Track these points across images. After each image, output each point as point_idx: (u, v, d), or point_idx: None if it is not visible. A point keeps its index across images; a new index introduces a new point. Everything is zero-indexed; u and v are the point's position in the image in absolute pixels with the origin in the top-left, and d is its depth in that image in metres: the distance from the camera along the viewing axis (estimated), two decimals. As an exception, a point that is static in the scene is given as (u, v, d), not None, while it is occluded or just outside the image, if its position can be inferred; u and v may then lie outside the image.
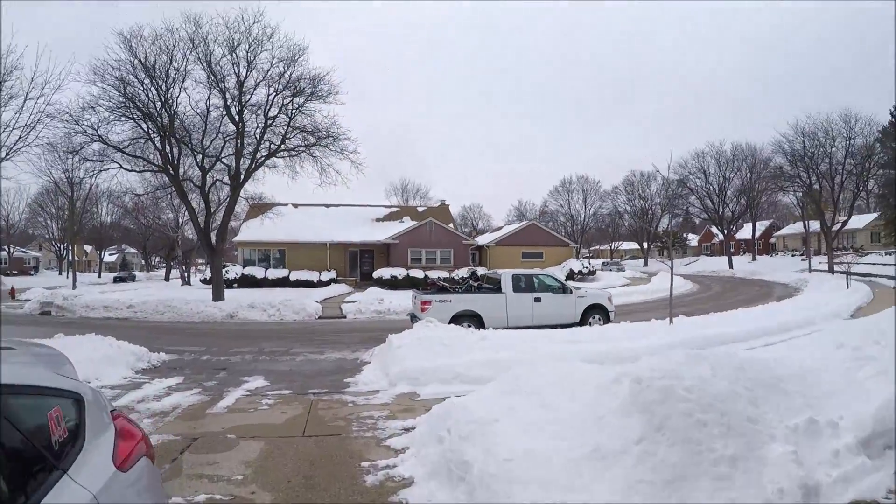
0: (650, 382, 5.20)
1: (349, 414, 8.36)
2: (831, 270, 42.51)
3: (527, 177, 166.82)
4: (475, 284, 17.94)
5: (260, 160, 26.70)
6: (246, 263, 41.51)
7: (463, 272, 38.26)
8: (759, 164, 63.39)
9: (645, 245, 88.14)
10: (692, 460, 4.44)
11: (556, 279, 17.82)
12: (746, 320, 16.67)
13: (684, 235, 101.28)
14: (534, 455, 5.01)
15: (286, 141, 26.79)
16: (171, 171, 26.02)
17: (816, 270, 44.41)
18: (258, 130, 26.63)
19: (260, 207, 39.77)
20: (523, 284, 16.88)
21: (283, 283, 38.82)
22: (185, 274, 53.85)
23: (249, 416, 8.32)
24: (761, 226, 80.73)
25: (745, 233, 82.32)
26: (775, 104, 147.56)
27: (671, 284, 17.48)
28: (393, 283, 37.46)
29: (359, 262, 43.43)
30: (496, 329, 14.31)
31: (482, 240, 52.98)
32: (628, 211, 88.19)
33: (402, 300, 25.41)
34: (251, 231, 42.02)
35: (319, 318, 23.19)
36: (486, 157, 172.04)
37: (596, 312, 17.55)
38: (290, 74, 25.88)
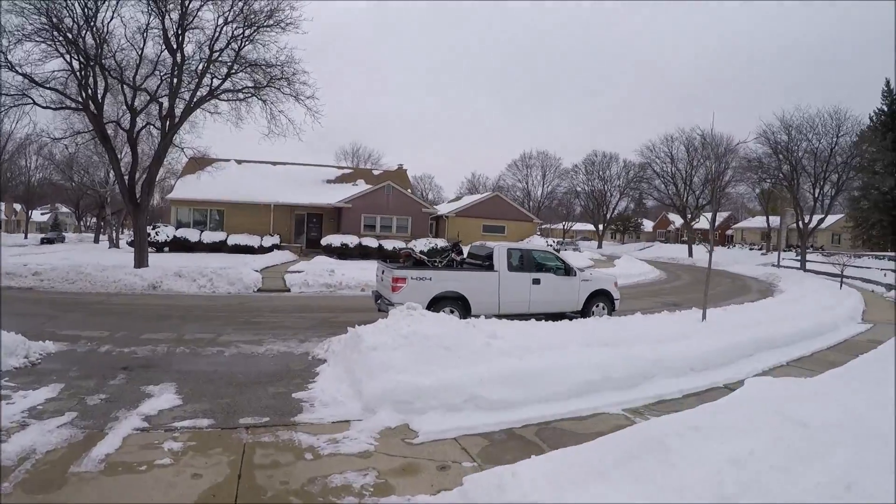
0: None
1: (308, 479, 4.97)
2: (803, 267, 41.45)
3: (482, 152, 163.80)
4: (458, 259, 14.57)
5: (199, 99, 22.39)
6: (180, 225, 36.90)
7: (421, 243, 34.82)
8: (730, 153, 61.96)
9: (600, 227, 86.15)
10: None
11: (558, 257, 14.72)
12: (774, 319, 14.17)
13: (639, 220, 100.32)
14: None
15: (231, 77, 22.49)
16: (93, 109, 21.41)
17: (785, 266, 43.31)
18: (201, 65, 22.32)
19: (199, 162, 34.63)
20: (520, 262, 13.71)
21: (220, 247, 34.66)
22: (115, 236, 48.92)
23: (136, 483, 4.81)
24: (720, 217, 79.95)
25: (702, 223, 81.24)
26: (758, 99, 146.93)
27: (708, 275, 14.93)
28: (343, 252, 33.86)
29: (306, 228, 39.45)
30: (486, 317, 11.44)
31: (441, 209, 49.47)
32: (586, 191, 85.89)
33: (356, 272, 22.29)
34: (187, 188, 37.47)
35: (259, 290, 19.51)
36: (440, 131, 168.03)
37: (600, 299, 14.84)
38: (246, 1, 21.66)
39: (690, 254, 60.65)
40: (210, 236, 35.17)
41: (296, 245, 37.72)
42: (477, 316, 11.94)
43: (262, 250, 34.17)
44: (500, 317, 11.88)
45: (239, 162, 42.23)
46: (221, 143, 62.80)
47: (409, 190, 41.71)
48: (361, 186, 40.44)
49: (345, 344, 8.75)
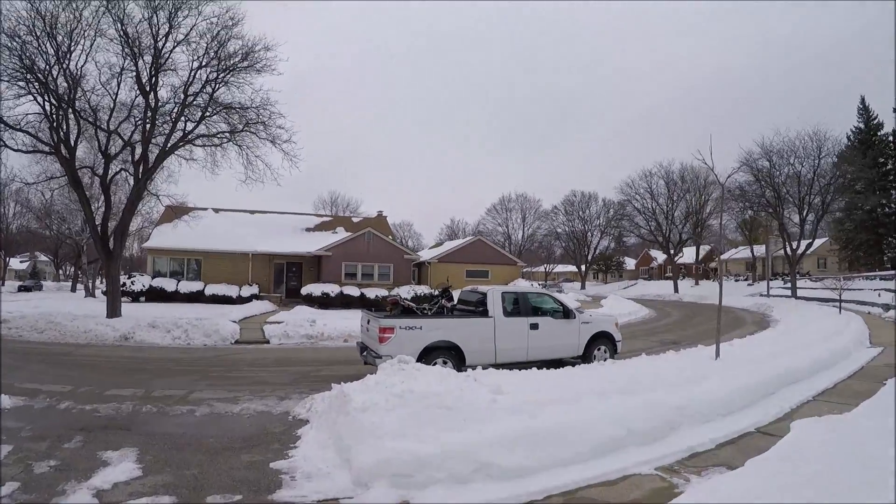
0: None
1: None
2: (794, 294, 40.83)
3: (461, 198, 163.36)
4: (449, 306, 13.56)
5: (174, 144, 21.42)
6: (157, 274, 35.35)
7: (404, 290, 33.75)
8: (710, 185, 62.17)
9: (583, 268, 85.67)
10: None
11: (556, 299, 13.82)
12: (786, 351, 13.60)
13: (621, 259, 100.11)
14: None
15: (206, 120, 21.55)
16: (65, 153, 20.37)
17: (774, 295, 42.91)
18: (176, 109, 21.40)
19: (176, 210, 33.47)
20: (516, 306, 12.78)
21: (198, 297, 33.17)
22: (91, 285, 47.43)
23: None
24: (702, 250, 79.79)
25: (685, 257, 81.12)
26: (737, 128, 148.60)
27: (719, 309, 13.87)
28: (324, 302, 32.56)
29: (285, 277, 38.05)
30: (483, 367, 10.23)
31: (423, 255, 48.46)
32: (566, 232, 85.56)
33: (338, 322, 21.29)
34: (164, 237, 36.21)
35: (236, 342, 18.33)
36: (418, 179, 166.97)
37: (601, 342, 13.89)
38: (221, 44, 20.91)
39: (676, 289, 60.20)
40: (187, 286, 33.72)
41: (275, 295, 36.42)
42: (473, 366, 10.99)
43: (241, 300, 32.87)
44: (496, 366, 11.02)
45: (216, 210, 41.12)
46: (198, 192, 61.78)
47: (389, 237, 40.75)
48: (341, 234, 39.42)
49: (329, 403, 7.73)
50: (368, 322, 11.96)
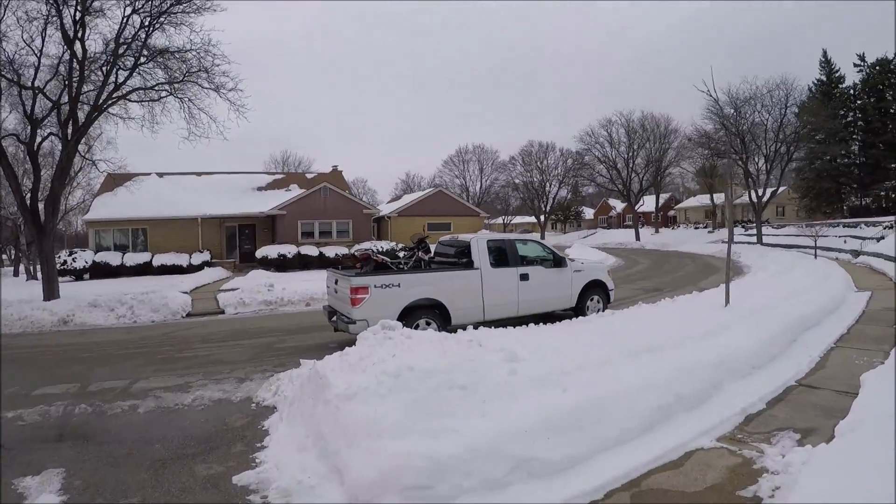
0: None
1: None
2: (760, 241, 41.10)
3: (416, 153, 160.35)
4: (426, 258, 11.95)
5: (106, 99, 19.05)
6: (100, 248, 32.78)
7: (365, 246, 32.14)
8: (671, 133, 62.78)
9: (541, 218, 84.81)
10: None
11: (545, 246, 12.61)
12: (789, 297, 12.75)
13: (579, 209, 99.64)
14: None
15: (141, 69, 19.13)
16: None
17: (738, 242, 42.45)
18: (108, 61, 18.99)
19: (116, 178, 31.00)
20: (503, 256, 11.41)
21: (146, 269, 30.89)
22: (31, 267, 44.39)
23: None
24: (661, 199, 79.88)
25: (644, 206, 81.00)
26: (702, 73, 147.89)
27: (728, 258, 12.78)
28: (281, 264, 30.74)
29: (238, 241, 35.89)
30: (474, 326, 9.10)
31: (382, 210, 46.63)
32: (524, 182, 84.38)
33: (298, 285, 19.72)
34: (106, 208, 33.53)
35: (188, 315, 16.58)
36: (370, 135, 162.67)
37: (594, 292, 12.78)
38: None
39: (637, 237, 60.12)
40: (133, 258, 31.35)
41: (228, 260, 34.38)
42: (458, 326, 9.78)
43: (192, 269, 30.79)
44: (485, 324, 9.82)
45: (160, 175, 38.41)
46: (140, 158, 58.43)
47: (346, 191, 38.81)
48: (295, 192, 37.15)
49: (301, 386, 6.17)
50: (336, 282, 10.40)
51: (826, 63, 52.58)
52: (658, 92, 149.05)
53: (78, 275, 29.58)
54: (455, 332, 7.42)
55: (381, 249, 28.89)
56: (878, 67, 48.43)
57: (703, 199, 76.12)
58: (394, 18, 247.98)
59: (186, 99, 19.57)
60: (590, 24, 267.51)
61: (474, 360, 5.72)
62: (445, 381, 5.10)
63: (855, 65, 50.60)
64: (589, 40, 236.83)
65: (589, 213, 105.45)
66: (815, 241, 26.98)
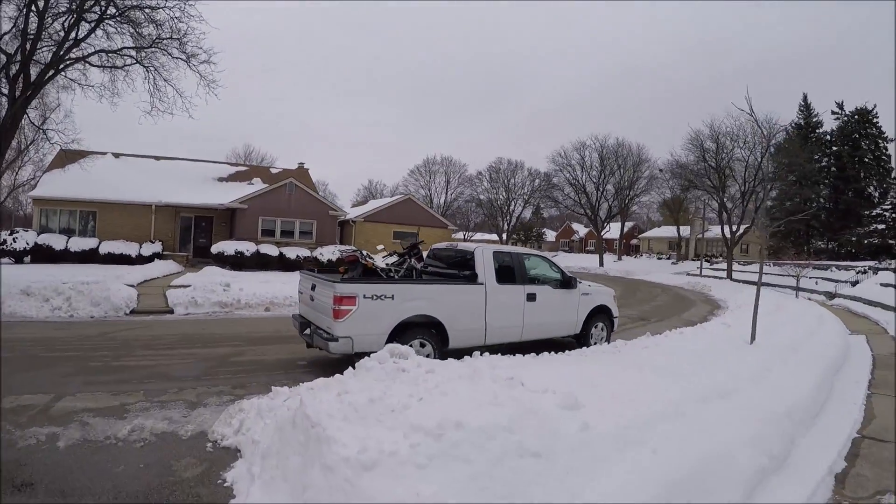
0: None
1: None
2: (730, 276, 41.26)
3: (380, 162, 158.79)
4: (419, 267, 10.32)
5: (63, 56, 17.02)
6: (44, 230, 30.13)
7: (328, 250, 30.44)
8: (644, 162, 62.88)
9: (503, 236, 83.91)
10: None
11: (552, 263, 11.22)
12: (806, 337, 12.09)
13: (541, 230, 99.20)
14: None
15: (105, 23, 17.09)
16: None
17: (708, 276, 42.91)
18: (69, 18, 17.05)
19: (69, 155, 28.69)
20: (510, 271, 10.01)
21: (91, 257, 28.40)
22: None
23: None
24: (625, 227, 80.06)
25: (609, 233, 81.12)
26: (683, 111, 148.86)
27: (758, 292, 11.73)
28: (238, 262, 28.65)
29: (193, 233, 33.70)
30: (468, 350, 8.12)
31: (348, 213, 44.85)
32: (489, 199, 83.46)
33: (256, 286, 18.06)
34: (54, 185, 30.91)
35: (132, 312, 14.72)
36: (335, 140, 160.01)
37: (599, 319, 11.62)
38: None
39: (601, 263, 60.01)
40: (79, 243, 28.80)
41: (181, 254, 32.16)
42: (455, 350, 8.52)
43: (142, 260, 28.55)
44: (484, 349, 8.39)
45: (116, 155, 36.03)
46: (97, 136, 55.21)
47: (313, 190, 36.96)
48: (258, 186, 35.24)
49: (281, 433, 4.57)
50: (314, 287, 8.78)
51: (805, 107, 53.44)
52: (631, 123, 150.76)
53: (18, 257, 27.16)
54: (450, 357, 6.05)
55: (333, 257, 27.44)
56: (856, 116, 49.50)
57: (666, 231, 76.70)
58: (362, 21, 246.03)
59: (153, 68, 17.80)
60: (567, 49, 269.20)
61: (536, 410, 4.26)
62: (513, 446, 3.66)
63: (833, 112, 51.43)
64: (565, 67, 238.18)
65: (551, 235, 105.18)
66: (798, 282, 26.82)
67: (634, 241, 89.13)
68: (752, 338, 10.32)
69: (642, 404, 5.06)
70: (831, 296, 27.76)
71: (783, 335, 11.59)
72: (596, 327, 11.46)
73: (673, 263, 59.81)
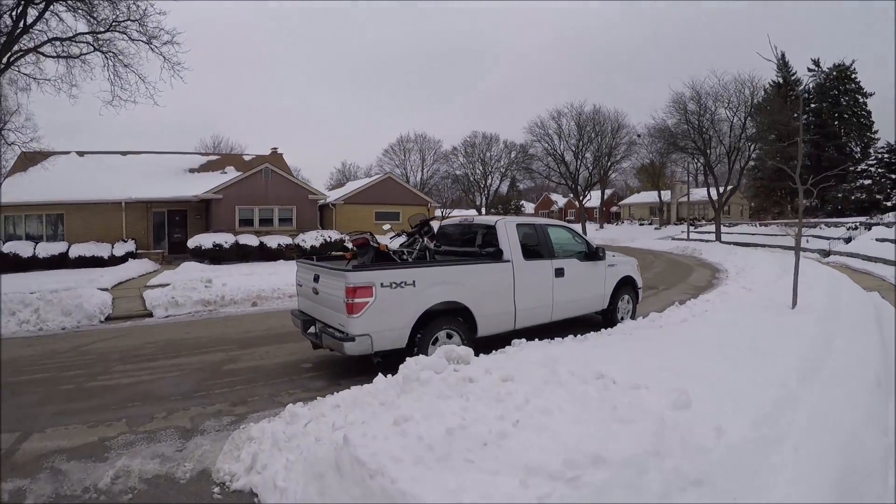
0: None
1: None
2: (719, 239, 40.50)
3: (353, 145, 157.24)
4: (432, 247, 9.14)
5: (8, 43, 15.58)
6: (10, 237, 28.59)
7: (311, 236, 29.29)
8: (622, 128, 61.86)
9: (482, 211, 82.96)
10: None
11: (576, 233, 10.26)
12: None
13: (519, 203, 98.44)
14: None
15: (56, 5, 15.69)
16: None
17: (696, 239, 42.00)
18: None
19: (30, 157, 27.00)
20: (536, 245, 9.00)
21: (62, 262, 26.85)
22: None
23: None
24: (605, 195, 79.54)
25: (589, 202, 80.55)
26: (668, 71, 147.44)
27: (797, 257, 11.31)
28: (217, 255, 27.26)
29: (167, 228, 32.18)
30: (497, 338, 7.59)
31: (328, 196, 43.43)
32: (465, 174, 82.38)
33: (240, 280, 16.99)
34: (17, 190, 29.01)
35: (108, 319, 13.45)
36: (305, 123, 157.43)
37: (625, 291, 10.72)
38: None
39: (584, 232, 58.81)
40: (47, 248, 27.23)
41: (156, 251, 30.66)
42: (483, 338, 7.74)
43: (115, 261, 27.07)
44: (515, 335, 7.93)
45: (81, 153, 34.39)
46: (60, 138, 53.10)
47: (290, 174, 35.51)
48: (231, 174, 33.74)
49: (318, 483, 3.48)
50: (317, 279, 7.61)
51: (783, 66, 52.78)
52: (608, 90, 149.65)
53: (-16, 269, 25.66)
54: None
55: (317, 243, 26.24)
56: (834, 73, 49.62)
57: (646, 196, 76.25)
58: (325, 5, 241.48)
59: (112, 54, 16.44)
60: (543, 18, 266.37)
61: (663, 419, 3.27)
62: (673, 478, 2.69)
63: (809, 69, 51.71)
64: (541, 34, 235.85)
65: (529, 207, 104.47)
66: (798, 242, 26.17)
67: (615, 209, 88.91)
68: (794, 303, 9.72)
69: (743, 392, 4.27)
70: (826, 253, 27.51)
71: (814, 298, 11.09)
72: (622, 300, 10.61)
73: (656, 229, 59.67)
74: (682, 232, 47.75)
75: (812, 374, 5.29)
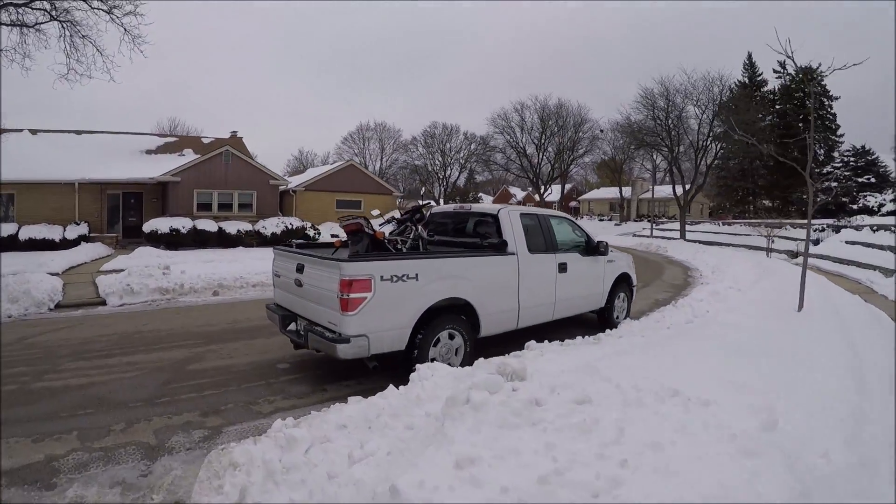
0: None
1: None
2: (683, 237, 40.35)
3: (311, 134, 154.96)
4: (427, 236, 8.43)
5: None
6: None
7: (272, 223, 28.33)
8: (586, 122, 62.14)
9: (441, 202, 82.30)
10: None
11: (576, 226, 9.64)
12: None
13: (478, 195, 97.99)
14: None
15: None
16: None
17: (659, 237, 42.21)
18: None
19: None
20: (539, 237, 8.33)
21: (11, 244, 25.26)
22: None
23: None
24: (565, 189, 79.67)
25: (549, 195, 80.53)
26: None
27: (805, 258, 11.53)
28: (174, 240, 26.23)
29: (122, 211, 30.72)
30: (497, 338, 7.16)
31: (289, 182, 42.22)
32: (423, 165, 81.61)
33: (199, 267, 16.21)
34: None
35: (58, 307, 12.36)
36: (259, 108, 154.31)
37: (621, 289, 10.21)
38: None
39: (544, 226, 58.92)
40: None
41: (110, 235, 29.31)
42: (489, 338, 7.25)
43: (66, 244, 25.72)
44: (516, 334, 7.72)
45: (34, 132, 32.72)
46: (12, 112, 50.79)
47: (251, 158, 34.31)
48: (190, 157, 32.33)
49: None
50: (301, 269, 6.71)
51: (750, 66, 53.97)
52: (572, 86, 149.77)
53: (-71, 254, 24.04)
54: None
55: (278, 230, 25.33)
56: (800, 75, 49.54)
57: (606, 192, 76.71)
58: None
59: (69, 23, 15.32)
60: (510, 10, 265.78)
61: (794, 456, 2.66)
62: None
63: (775, 71, 52.23)
64: (505, 27, 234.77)
65: (487, 199, 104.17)
66: (769, 242, 26.84)
67: (574, 204, 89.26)
68: (801, 305, 9.52)
69: (814, 406, 3.79)
70: (794, 254, 27.50)
71: (812, 300, 10.57)
72: (619, 298, 10.11)
73: (616, 225, 60.40)
74: (644, 228, 48.13)
75: (861, 384, 4.89)
